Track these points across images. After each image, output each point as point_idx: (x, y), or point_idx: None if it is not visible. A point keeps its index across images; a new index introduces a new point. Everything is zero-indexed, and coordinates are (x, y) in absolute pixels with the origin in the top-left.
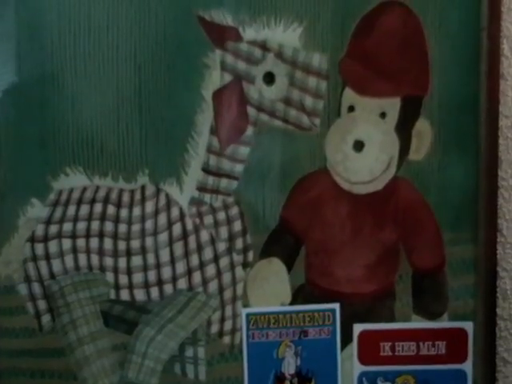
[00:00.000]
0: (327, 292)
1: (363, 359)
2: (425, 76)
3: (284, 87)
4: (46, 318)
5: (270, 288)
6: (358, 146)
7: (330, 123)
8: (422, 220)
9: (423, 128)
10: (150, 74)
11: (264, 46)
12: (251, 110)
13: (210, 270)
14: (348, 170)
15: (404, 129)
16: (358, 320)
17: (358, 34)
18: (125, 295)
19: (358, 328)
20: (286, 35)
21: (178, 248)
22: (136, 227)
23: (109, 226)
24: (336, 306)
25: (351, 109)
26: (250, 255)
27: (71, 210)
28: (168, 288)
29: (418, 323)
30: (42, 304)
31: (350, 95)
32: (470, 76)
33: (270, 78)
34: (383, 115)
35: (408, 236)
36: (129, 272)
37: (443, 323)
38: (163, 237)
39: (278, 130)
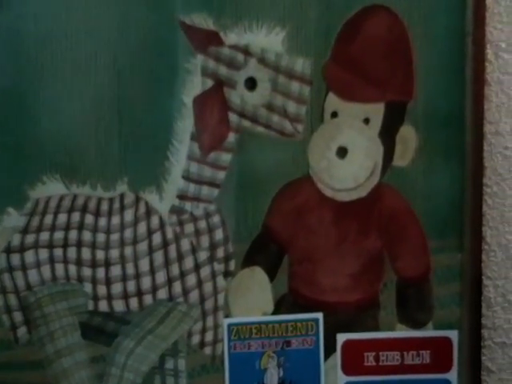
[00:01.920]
0: (311, 301)
1: (347, 369)
2: (409, 81)
3: (266, 92)
4: (22, 331)
5: (253, 298)
6: (342, 152)
7: (313, 129)
8: (406, 227)
9: (408, 134)
10: (129, 79)
11: (246, 51)
12: (233, 116)
13: (191, 279)
14: (332, 176)
15: (388, 135)
16: (341, 329)
17: (342, 38)
18: (103, 306)
19: (341, 338)
20: (269, 40)
21: (158, 257)
22: (115, 236)
23: (87, 236)
24: (319, 315)
25: (334, 114)
26: (232, 264)
27: (48, 219)
28: (148, 298)
29: (403, 332)
30: (17, 316)
31: (333, 101)
32: (455, 81)
33: (252, 84)
34: (367, 121)
35: (393, 243)
36: (107, 282)
37: (428, 332)
38: (143, 246)
39: (261, 136)
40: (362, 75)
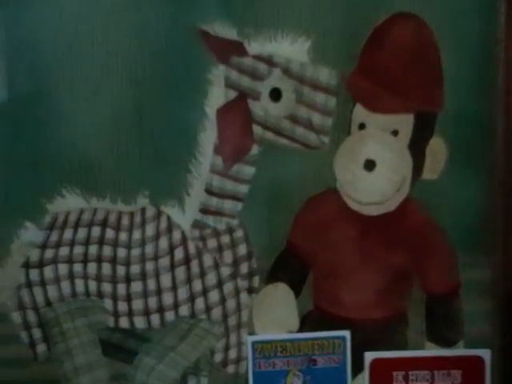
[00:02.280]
0: (337, 318)
1: None
2: (439, 91)
3: (291, 104)
4: (41, 348)
5: (277, 315)
6: (369, 165)
7: (339, 141)
8: (434, 243)
9: (438, 146)
10: (149, 91)
11: (270, 61)
12: (256, 128)
13: (214, 296)
14: (358, 190)
15: (417, 147)
16: (369, 348)
17: (368, 47)
18: (124, 323)
19: (369, 356)
20: (294, 49)
21: (180, 273)
22: (136, 251)
23: (107, 251)
24: (346, 333)
25: (362, 126)
26: (256, 280)
27: (68, 233)
28: (169, 315)
29: (433, 351)
30: (37, 332)
31: (360, 112)
32: (485, 91)
33: (276, 95)
34: (395, 133)
35: (420, 259)
36: (128, 298)
37: (459, 351)
38: (164, 261)
39: (285, 149)
40: (389, 85)
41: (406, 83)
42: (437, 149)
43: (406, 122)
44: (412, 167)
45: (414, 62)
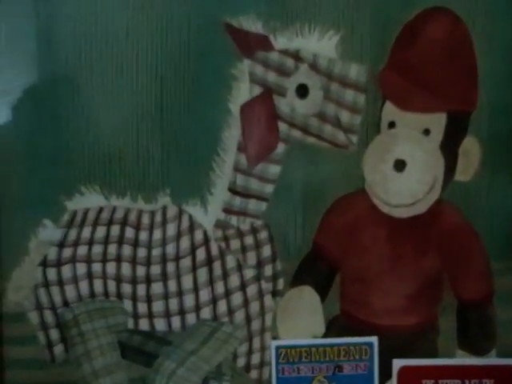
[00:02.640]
0: (364, 324)
1: None
2: (473, 89)
3: (318, 101)
4: (58, 349)
5: (302, 319)
6: (399, 165)
7: (368, 140)
8: (468, 247)
9: (471, 146)
10: (172, 86)
11: (297, 56)
12: (282, 126)
13: (237, 298)
14: (388, 191)
15: (450, 147)
16: (397, 355)
17: (400, 43)
18: (144, 325)
19: (397, 363)
20: (321, 44)
21: (202, 274)
22: (156, 251)
23: (127, 250)
24: (374, 339)
25: (392, 125)
26: (280, 283)
27: (86, 232)
28: (191, 318)
29: (464, 359)
30: (54, 333)
31: (390, 110)
32: None
33: (303, 91)
34: (427, 132)
35: (453, 264)
36: (148, 300)
37: (491, 359)
38: (186, 262)
39: (312, 148)
40: (421, 83)
41: (438, 81)
42: (470, 149)
43: (437, 121)
44: (444, 168)
45: (448, 59)
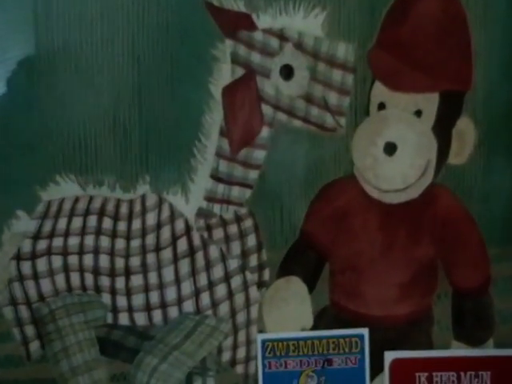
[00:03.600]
0: (355, 315)
1: None
2: (467, 68)
3: (304, 82)
4: (34, 345)
5: (289, 311)
6: (390, 148)
7: (357, 123)
8: (463, 233)
9: (465, 128)
10: (150, 68)
11: (281, 35)
12: (267, 109)
13: (221, 290)
14: (378, 176)
15: (443, 129)
16: (389, 347)
17: (390, 19)
18: (124, 319)
19: (389, 356)
20: (307, 22)
21: (184, 266)
22: (136, 242)
23: (105, 242)
24: (364, 331)
25: (382, 106)
26: (266, 274)
27: (62, 223)
28: (173, 311)
29: (459, 350)
30: (29, 329)
31: (380, 91)
32: None
33: (288, 72)
34: (419, 113)
35: (447, 251)
36: (128, 293)
37: (488, 350)
38: (167, 253)
39: (298, 131)
40: (412, 61)
41: (431, 59)
42: (464, 130)
43: (430, 102)
44: (437, 151)
45: (441, 35)
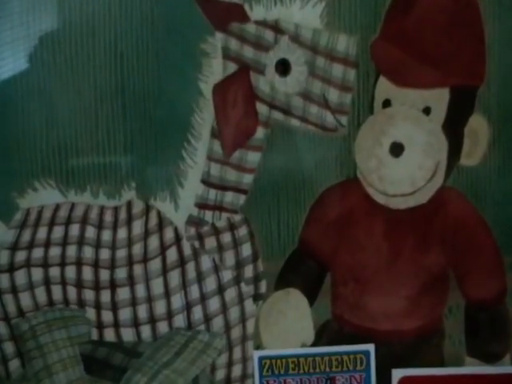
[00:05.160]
0: (359, 330)
1: None
2: (479, 61)
3: (302, 78)
4: (14, 364)
5: (288, 325)
6: (397, 149)
7: (360, 122)
8: (476, 240)
9: (478, 126)
10: (134, 64)
11: (276, 28)
12: (262, 107)
13: (214, 303)
14: (384, 179)
15: (454, 127)
16: (397, 364)
17: (395, 9)
18: (110, 335)
19: (397, 374)
20: (304, 13)
21: (174, 278)
22: (121, 253)
23: (88, 252)
24: (370, 347)
25: (387, 103)
26: (263, 286)
27: (42, 232)
28: (162, 326)
29: (474, 368)
30: (9, 346)
31: (385, 86)
32: None
33: (284, 67)
34: (427, 111)
35: (459, 260)
36: (114, 307)
37: (505, 367)
38: (155, 264)
39: (296, 132)
40: (419, 54)
41: (440, 52)
42: (477, 129)
43: (439, 98)
44: (447, 151)
45: (450, 26)
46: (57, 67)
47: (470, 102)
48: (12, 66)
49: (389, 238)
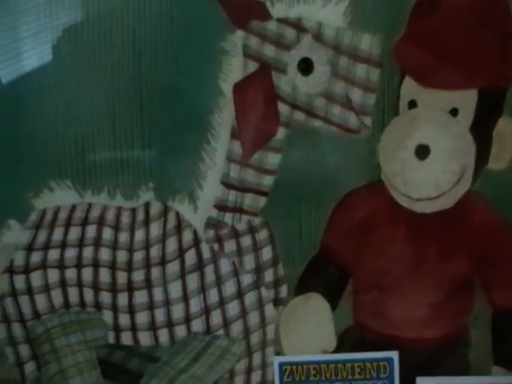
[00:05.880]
0: (382, 337)
1: None
2: (508, 63)
3: (325, 78)
4: (29, 367)
5: (309, 331)
6: (422, 152)
7: (384, 123)
8: (503, 247)
9: (507, 129)
10: (152, 62)
11: (298, 26)
12: (283, 107)
13: (233, 308)
14: (408, 182)
15: (482, 130)
16: (421, 372)
17: (420, 8)
18: (127, 339)
19: (422, 382)
20: (327, 11)
21: (193, 281)
22: (139, 255)
23: (105, 254)
24: (394, 354)
25: (413, 104)
26: (283, 290)
27: (58, 233)
28: (180, 330)
29: (501, 377)
30: (24, 349)
31: (410, 87)
32: None
33: (306, 67)
34: (454, 112)
35: (486, 267)
36: (131, 311)
37: None
38: (173, 267)
39: (318, 133)
40: (445, 55)
41: (467, 52)
42: (506, 132)
43: (467, 100)
44: (475, 155)
45: (478, 25)
46: (73, 64)
47: (499, 103)
48: (27, 62)
49: (412, 244)
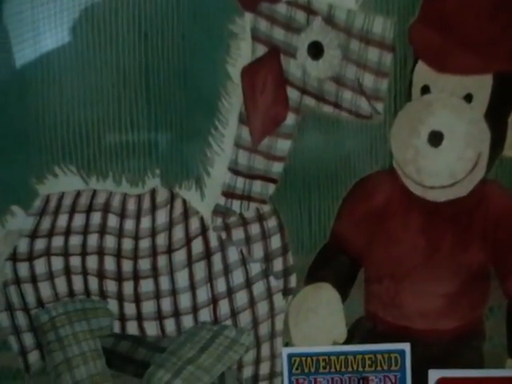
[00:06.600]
0: (394, 328)
1: None
2: None
3: (336, 62)
4: (33, 356)
5: (319, 322)
6: (435, 138)
7: (397, 109)
8: None
9: None
10: (159, 45)
11: (309, 8)
12: (292, 92)
13: (241, 298)
14: (421, 170)
15: (497, 116)
16: (434, 365)
17: None
18: (132, 329)
19: (434, 374)
20: None
21: (200, 270)
22: (145, 243)
23: (110, 242)
24: (406, 346)
25: (426, 90)
26: (293, 280)
27: (62, 220)
28: (187, 320)
29: None
30: (28, 338)
31: (423, 72)
32: None
33: (316, 50)
34: (469, 98)
35: (502, 257)
36: (137, 300)
37: None
38: (180, 255)
39: (328, 119)
40: (460, 39)
41: (482, 36)
42: None
43: (482, 85)
44: (490, 142)
45: (494, 10)
46: (78, 49)
47: None
48: (32, 48)
49: (426, 232)
